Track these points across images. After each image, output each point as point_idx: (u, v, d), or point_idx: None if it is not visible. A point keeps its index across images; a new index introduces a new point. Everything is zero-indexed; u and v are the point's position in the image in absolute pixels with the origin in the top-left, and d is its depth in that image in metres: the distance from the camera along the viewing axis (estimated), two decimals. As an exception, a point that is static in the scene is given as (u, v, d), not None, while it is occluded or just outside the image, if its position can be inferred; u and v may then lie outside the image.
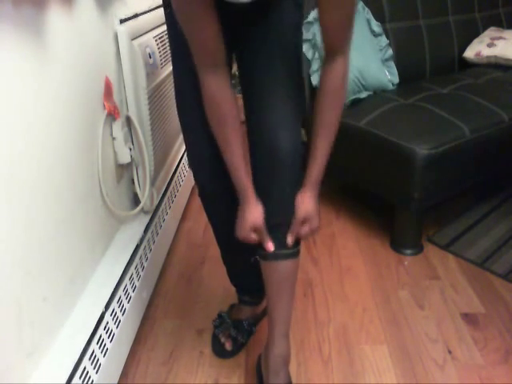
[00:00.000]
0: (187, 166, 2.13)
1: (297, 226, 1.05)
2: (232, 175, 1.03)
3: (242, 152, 1.02)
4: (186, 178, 2.07)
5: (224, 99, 0.96)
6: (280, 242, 1.06)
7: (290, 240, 1.05)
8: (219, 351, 1.36)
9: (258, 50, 1.03)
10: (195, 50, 0.93)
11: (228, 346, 1.36)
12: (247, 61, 1.07)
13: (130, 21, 1.45)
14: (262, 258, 1.10)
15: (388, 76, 2.03)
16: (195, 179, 1.19)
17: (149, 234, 1.51)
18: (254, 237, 1.05)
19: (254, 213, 1.03)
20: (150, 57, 1.52)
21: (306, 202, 1.03)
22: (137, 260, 1.39)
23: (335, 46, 0.94)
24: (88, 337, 1.07)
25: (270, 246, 1.06)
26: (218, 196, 1.18)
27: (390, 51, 2.05)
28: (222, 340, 1.36)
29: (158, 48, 1.62)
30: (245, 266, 1.30)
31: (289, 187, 1.04)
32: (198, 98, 1.00)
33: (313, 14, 1.92)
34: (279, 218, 1.05)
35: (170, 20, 1.06)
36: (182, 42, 0.95)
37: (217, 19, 0.88)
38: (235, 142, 1.00)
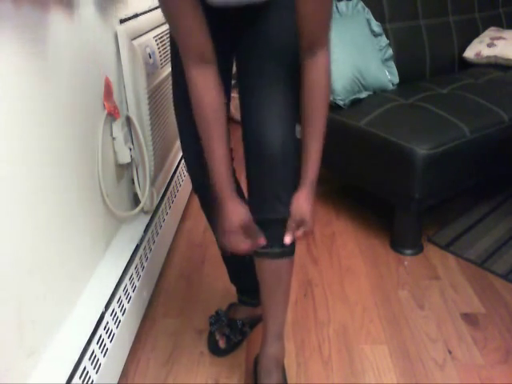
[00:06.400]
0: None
1: (292, 226, 1.02)
2: (212, 175, 0.98)
3: (225, 151, 0.97)
4: (185, 178, 2.07)
5: (210, 97, 0.94)
6: (273, 240, 1.05)
7: (287, 240, 1.03)
8: (213, 348, 1.37)
9: (256, 50, 1.03)
10: (181, 45, 0.90)
11: (222, 343, 1.36)
12: (244, 60, 1.07)
13: (130, 21, 1.46)
14: (256, 254, 1.09)
15: (388, 76, 2.03)
16: (189, 175, 1.19)
17: (149, 234, 1.51)
18: (244, 242, 0.99)
19: (237, 211, 0.97)
20: (150, 57, 1.52)
21: (301, 204, 1.01)
22: (137, 260, 1.39)
23: (314, 38, 0.90)
24: (88, 337, 1.07)
25: (262, 240, 1.02)
26: (211, 192, 1.19)
27: (390, 51, 2.05)
28: (217, 337, 1.37)
29: (158, 48, 1.62)
30: (244, 265, 1.30)
31: (281, 185, 1.02)
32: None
33: (313, 14, 1.92)
34: (270, 215, 1.04)
35: None
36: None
37: (201, 13, 0.87)
38: (217, 139, 0.96)
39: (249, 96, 1.05)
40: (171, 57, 1.13)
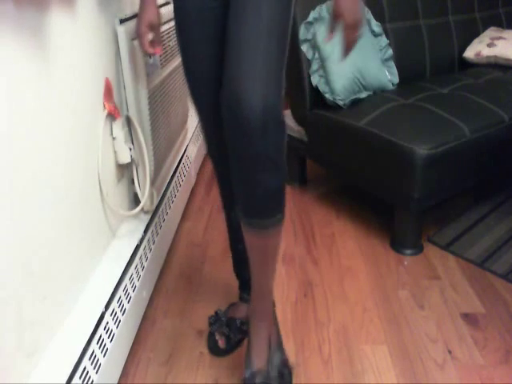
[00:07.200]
0: (187, 166, 2.13)
1: (332, 21, 1.01)
2: None
3: None
4: (185, 178, 2.07)
5: None
6: (254, 211, 1.01)
7: (328, 38, 1.04)
8: (213, 348, 1.37)
9: (243, 6, 0.96)
10: None
11: (221, 343, 1.36)
12: (230, 14, 0.99)
13: (130, 21, 1.45)
14: (243, 224, 1.05)
15: (388, 76, 2.03)
16: (206, 143, 1.23)
17: (149, 234, 1.51)
18: (148, 36, 1.17)
19: (149, 11, 1.17)
20: (150, 57, 1.52)
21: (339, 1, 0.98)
22: (137, 260, 1.39)
23: None
24: (88, 337, 1.07)
25: (158, 51, 1.21)
26: (226, 161, 1.19)
27: (390, 51, 2.05)
28: (217, 338, 1.37)
29: (158, 48, 1.62)
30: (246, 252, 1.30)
31: (261, 157, 0.93)
32: (204, 73, 1.10)
33: (313, 14, 1.92)
34: (254, 188, 0.97)
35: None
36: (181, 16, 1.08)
37: None
38: None
39: (231, 52, 0.96)
40: (178, 45, 1.15)
